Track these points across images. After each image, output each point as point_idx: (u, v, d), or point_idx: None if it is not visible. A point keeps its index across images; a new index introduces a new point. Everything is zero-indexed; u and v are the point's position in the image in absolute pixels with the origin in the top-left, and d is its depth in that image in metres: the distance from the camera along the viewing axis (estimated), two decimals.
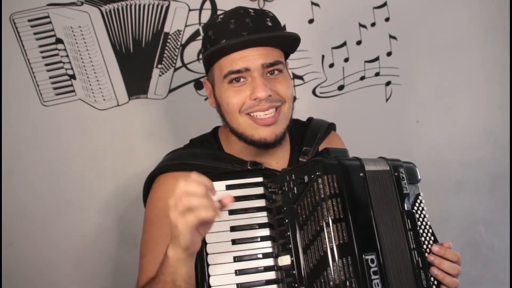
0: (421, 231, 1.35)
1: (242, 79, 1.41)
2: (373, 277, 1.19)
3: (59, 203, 2.10)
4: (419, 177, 1.43)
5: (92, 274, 2.15)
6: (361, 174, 1.29)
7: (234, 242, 1.32)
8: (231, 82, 1.41)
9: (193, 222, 1.09)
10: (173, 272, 1.21)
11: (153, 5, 2.13)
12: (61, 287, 2.12)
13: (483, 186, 2.62)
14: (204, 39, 1.49)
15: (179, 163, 1.51)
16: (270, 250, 1.32)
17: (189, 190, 1.10)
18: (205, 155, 1.37)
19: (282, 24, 2.24)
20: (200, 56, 2.16)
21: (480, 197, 2.62)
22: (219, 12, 2.19)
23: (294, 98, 2.30)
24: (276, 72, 1.43)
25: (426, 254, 1.33)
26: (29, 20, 2.03)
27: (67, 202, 2.11)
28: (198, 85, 2.22)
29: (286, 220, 1.27)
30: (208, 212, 1.09)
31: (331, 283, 1.16)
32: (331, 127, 1.74)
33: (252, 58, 1.39)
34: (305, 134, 1.64)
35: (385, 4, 2.42)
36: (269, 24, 1.43)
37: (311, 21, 2.33)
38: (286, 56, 1.54)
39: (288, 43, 1.47)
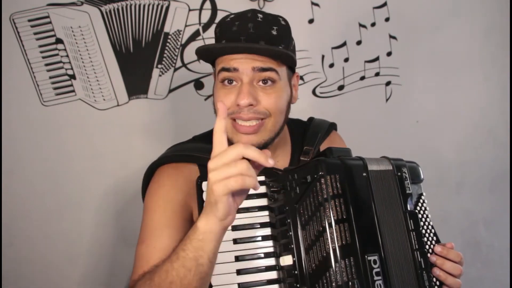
0: (423, 231, 1.34)
1: (234, 82, 1.40)
2: (375, 278, 1.18)
3: (59, 203, 2.10)
4: (422, 176, 1.43)
5: (92, 274, 2.15)
6: (364, 174, 1.28)
7: (235, 241, 1.31)
8: (223, 82, 1.41)
9: (235, 188, 1.03)
10: (199, 247, 1.11)
11: (153, 5, 2.13)
12: (61, 287, 2.12)
13: (483, 186, 2.63)
14: (214, 34, 1.49)
15: (181, 155, 1.50)
16: (271, 249, 1.32)
17: (235, 153, 1.04)
18: (208, 150, 1.37)
19: None
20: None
21: (480, 197, 2.63)
22: (219, 12, 2.19)
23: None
24: (269, 82, 1.40)
25: (429, 255, 1.33)
26: (29, 20, 2.03)
27: (67, 202, 2.11)
28: (198, 85, 2.22)
29: (288, 220, 1.27)
30: (252, 181, 1.04)
31: (334, 284, 1.15)
32: (332, 126, 1.73)
33: (244, 61, 1.37)
34: (306, 133, 1.63)
35: (385, 4, 2.42)
36: (274, 33, 1.40)
37: (311, 21, 2.33)
38: (293, 70, 1.50)
39: (278, 57, 1.41)
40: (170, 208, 1.41)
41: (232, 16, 1.42)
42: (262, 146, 1.42)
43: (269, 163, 1.06)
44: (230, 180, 1.03)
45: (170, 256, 1.17)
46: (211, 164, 1.06)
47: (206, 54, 1.45)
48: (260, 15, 1.41)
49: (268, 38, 1.38)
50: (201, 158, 1.46)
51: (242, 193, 1.12)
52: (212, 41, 1.67)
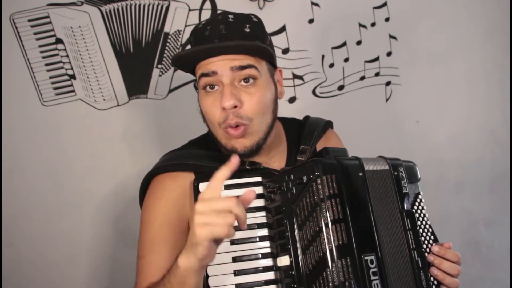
0: (421, 230, 1.34)
1: (216, 87, 1.39)
2: (372, 278, 1.18)
3: (59, 203, 2.10)
4: (419, 176, 1.43)
5: (92, 274, 2.15)
6: (361, 174, 1.28)
7: (232, 242, 1.31)
8: (205, 88, 1.40)
9: (219, 236, 1.08)
10: (181, 282, 1.17)
11: (153, 5, 2.13)
12: (61, 287, 2.12)
13: (483, 186, 2.62)
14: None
15: (176, 163, 1.49)
16: (269, 250, 1.32)
17: (226, 205, 1.08)
18: (203, 156, 1.36)
19: (282, 24, 2.27)
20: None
21: (480, 197, 2.62)
22: (218, 12, 2.20)
23: (294, 99, 2.31)
24: (250, 80, 1.38)
25: (426, 254, 1.33)
26: (29, 20, 2.03)
27: (67, 202, 2.11)
28: None
29: (285, 220, 1.27)
30: (231, 232, 1.08)
31: (331, 284, 1.15)
32: (328, 124, 1.72)
33: (221, 63, 1.36)
34: (302, 132, 1.62)
35: (385, 4, 2.41)
36: (247, 30, 1.39)
37: (311, 21, 2.33)
38: (274, 65, 1.50)
39: (254, 52, 1.41)
40: (167, 223, 1.42)
41: (204, 22, 1.42)
42: (255, 149, 1.42)
43: (244, 227, 1.13)
44: (216, 227, 1.07)
45: (162, 283, 1.24)
46: (199, 207, 1.09)
47: (182, 62, 1.43)
48: (231, 16, 1.40)
49: (242, 36, 1.38)
50: (197, 166, 1.46)
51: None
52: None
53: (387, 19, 2.43)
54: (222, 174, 1.12)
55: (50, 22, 2.05)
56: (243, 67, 1.37)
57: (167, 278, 1.22)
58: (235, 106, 1.36)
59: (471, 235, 2.62)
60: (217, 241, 1.12)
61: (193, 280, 1.16)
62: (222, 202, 1.08)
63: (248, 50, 1.38)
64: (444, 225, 2.52)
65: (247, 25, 1.40)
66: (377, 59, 2.44)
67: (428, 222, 1.39)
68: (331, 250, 1.17)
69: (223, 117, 1.38)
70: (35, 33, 2.04)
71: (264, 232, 1.33)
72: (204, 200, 1.10)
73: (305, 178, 1.23)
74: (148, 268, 1.38)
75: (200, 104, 1.45)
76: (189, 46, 1.45)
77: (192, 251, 1.12)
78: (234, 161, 1.13)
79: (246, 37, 1.38)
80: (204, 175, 1.37)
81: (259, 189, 1.37)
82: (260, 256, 1.31)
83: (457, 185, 2.59)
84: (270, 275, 1.30)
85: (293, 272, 1.24)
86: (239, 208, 1.08)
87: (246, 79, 1.38)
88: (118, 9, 2.10)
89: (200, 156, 1.51)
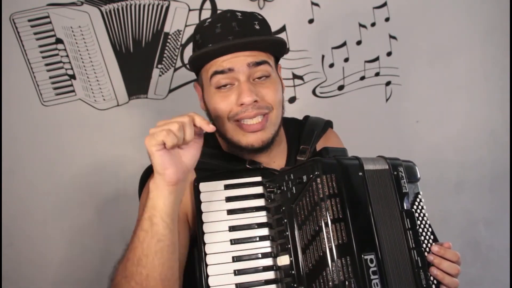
0: (420, 230, 1.34)
1: (229, 85, 1.38)
2: (372, 277, 1.18)
3: (59, 203, 2.11)
4: (418, 175, 1.43)
5: (92, 274, 2.15)
6: (360, 174, 1.28)
7: (232, 242, 1.31)
8: (218, 88, 1.39)
9: (160, 139, 1.14)
10: (151, 205, 1.20)
11: (153, 5, 2.14)
12: (61, 287, 2.12)
13: (483, 186, 2.62)
14: (193, 44, 1.47)
15: None
16: (269, 250, 1.32)
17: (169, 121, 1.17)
18: (203, 153, 1.36)
19: (282, 24, 2.28)
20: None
21: (480, 197, 2.62)
22: (224, 10, 2.20)
23: (294, 99, 2.31)
24: (263, 77, 1.40)
25: (426, 254, 1.33)
26: (29, 20, 2.03)
27: (67, 202, 2.11)
28: None
29: (285, 220, 1.27)
30: (171, 136, 1.14)
31: (330, 283, 1.15)
32: (328, 124, 1.72)
33: (237, 59, 1.36)
34: (302, 132, 1.62)
35: (385, 4, 2.42)
36: (257, 27, 1.40)
37: (311, 21, 2.33)
38: (277, 60, 1.52)
39: (274, 47, 1.45)
40: None
41: (210, 20, 1.42)
42: (270, 142, 1.43)
43: (210, 127, 1.21)
44: (157, 134, 1.14)
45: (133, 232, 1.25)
46: (151, 130, 1.18)
47: (200, 61, 1.42)
48: (238, 14, 1.41)
49: (255, 33, 1.39)
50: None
51: (185, 148, 1.23)
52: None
53: (387, 19, 2.43)
54: (211, 127, 1.22)
55: (50, 22, 2.05)
56: (258, 63, 1.38)
57: (140, 212, 1.27)
58: (255, 101, 1.37)
59: (471, 235, 2.62)
60: (168, 150, 1.18)
61: (160, 203, 1.19)
62: (175, 118, 1.18)
63: (272, 45, 1.41)
64: (444, 225, 2.52)
65: (256, 22, 1.41)
66: (377, 59, 2.44)
67: (428, 222, 1.39)
68: (331, 249, 1.17)
69: (237, 111, 1.38)
70: (35, 33, 2.05)
71: (264, 231, 1.33)
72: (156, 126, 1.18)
73: (305, 178, 1.24)
74: None
75: (208, 101, 1.45)
76: (190, 46, 1.45)
77: (155, 170, 1.19)
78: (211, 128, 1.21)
79: (258, 34, 1.39)
80: (205, 175, 1.37)
81: (259, 189, 1.37)
82: (260, 256, 1.31)
83: (457, 185, 2.59)
84: (270, 275, 1.30)
85: (293, 272, 1.24)
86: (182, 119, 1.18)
87: (259, 77, 1.40)
88: (118, 9, 2.10)
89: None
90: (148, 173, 1.52)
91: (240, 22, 1.38)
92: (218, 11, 2.19)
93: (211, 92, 1.41)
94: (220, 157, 1.51)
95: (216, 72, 1.37)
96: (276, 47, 1.44)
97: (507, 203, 2.63)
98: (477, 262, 2.62)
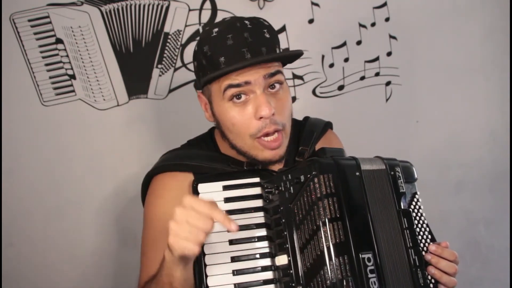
0: (418, 229, 1.35)
1: (243, 96, 1.35)
2: (369, 275, 1.19)
3: (59, 203, 2.11)
4: (415, 176, 1.43)
5: (92, 274, 2.16)
6: (357, 174, 1.29)
7: (231, 242, 1.32)
8: (231, 99, 1.36)
9: (186, 254, 1.16)
10: (169, 274, 1.24)
11: (153, 5, 2.14)
12: (61, 287, 2.12)
13: (483, 186, 2.62)
14: (198, 54, 1.41)
15: (175, 163, 1.50)
16: (267, 250, 1.33)
17: (193, 221, 1.14)
18: (202, 156, 1.37)
19: (282, 24, 2.28)
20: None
21: (480, 197, 2.62)
22: (219, 12, 2.20)
23: (294, 99, 2.32)
24: (277, 86, 1.38)
25: (423, 253, 1.33)
26: (29, 20, 2.04)
27: (67, 202, 2.12)
28: None
29: (283, 220, 1.28)
30: (196, 248, 1.15)
31: (328, 282, 1.16)
32: (328, 125, 1.72)
33: (254, 72, 1.33)
34: (302, 133, 1.62)
35: (385, 4, 2.42)
36: (267, 35, 1.38)
37: (311, 21, 2.33)
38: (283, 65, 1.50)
39: (291, 59, 1.45)
40: (168, 221, 1.42)
41: (217, 29, 1.37)
42: (284, 154, 1.44)
43: (233, 228, 1.16)
44: (186, 243, 1.15)
45: (156, 276, 1.30)
46: (178, 213, 1.17)
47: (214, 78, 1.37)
48: (247, 22, 1.37)
49: (267, 42, 1.37)
50: (196, 167, 1.47)
51: None
52: None
53: (387, 19, 2.43)
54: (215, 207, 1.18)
55: (50, 22, 2.05)
56: (273, 74, 1.36)
57: (159, 271, 1.28)
58: (273, 114, 1.35)
59: (471, 235, 2.62)
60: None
61: (178, 273, 1.23)
62: (198, 216, 1.14)
63: (289, 58, 1.43)
64: (444, 225, 2.52)
65: (265, 30, 1.39)
66: (377, 59, 2.44)
67: (425, 222, 1.39)
68: (328, 248, 1.18)
69: (258, 127, 1.36)
70: (35, 33, 2.05)
71: (262, 232, 1.34)
72: (184, 207, 1.15)
73: (302, 178, 1.25)
74: (150, 264, 1.41)
75: (221, 114, 1.41)
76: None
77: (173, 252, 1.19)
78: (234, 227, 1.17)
79: (269, 42, 1.38)
80: (203, 176, 1.38)
81: (257, 190, 1.38)
82: (259, 256, 1.32)
83: (457, 185, 2.59)
84: (269, 275, 1.31)
85: (291, 271, 1.25)
86: (207, 224, 1.15)
87: (272, 86, 1.38)
88: (118, 9, 2.11)
89: (199, 157, 1.51)
90: (149, 180, 1.54)
91: (252, 32, 1.35)
92: (218, 11, 2.19)
93: (225, 106, 1.38)
94: (219, 160, 1.51)
95: (231, 86, 1.34)
96: (292, 60, 1.45)
97: (507, 203, 2.63)
98: (477, 262, 2.62)
